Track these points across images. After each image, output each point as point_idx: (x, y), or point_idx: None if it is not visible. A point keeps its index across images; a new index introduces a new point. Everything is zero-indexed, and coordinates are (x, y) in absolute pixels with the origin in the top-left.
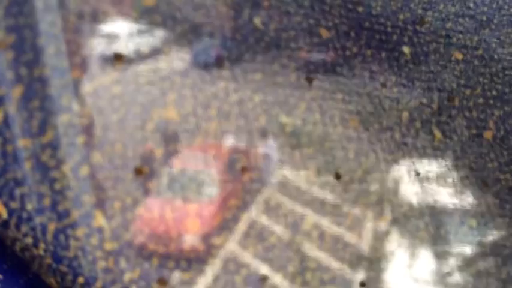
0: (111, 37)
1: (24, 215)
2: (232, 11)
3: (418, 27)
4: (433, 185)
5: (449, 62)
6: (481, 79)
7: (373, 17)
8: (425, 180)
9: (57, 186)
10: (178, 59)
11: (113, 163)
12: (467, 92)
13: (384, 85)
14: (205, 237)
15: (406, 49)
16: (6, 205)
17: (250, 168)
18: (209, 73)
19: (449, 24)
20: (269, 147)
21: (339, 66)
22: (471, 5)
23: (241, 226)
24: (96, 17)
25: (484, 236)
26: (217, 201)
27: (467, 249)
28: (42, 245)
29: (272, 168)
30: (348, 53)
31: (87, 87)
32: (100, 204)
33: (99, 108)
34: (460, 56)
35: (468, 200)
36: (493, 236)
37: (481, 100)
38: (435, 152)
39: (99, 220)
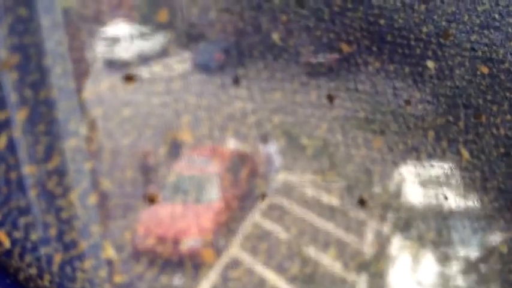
0: (114, 41)
1: (29, 245)
2: (250, 26)
3: (442, 40)
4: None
5: (475, 76)
6: (508, 94)
7: (395, 30)
8: (454, 205)
9: (64, 215)
10: (181, 63)
11: (124, 190)
12: (494, 108)
13: (408, 102)
14: (208, 241)
15: (430, 63)
16: (9, 234)
17: (252, 172)
18: (226, 93)
19: (474, 37)
20: (271, 152)
21: (361, 83)
22: (496, 16)
23: (244, 229)
24: (101, 24)
25: (489, 239)
26: (219, 205)
27: (472, 253)
28: (47, 277)
29: (274, 173)
30: (370, 68)
31: (96, 110)
32: (109, 234)
33: (109, 131)
34: (485, 70)
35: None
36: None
37: (508, 117)
38: (463, 173)
39: (108, 251)
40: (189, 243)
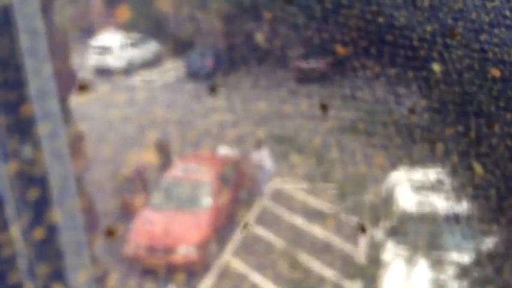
0: (105, 50)
1: None
2: (228, 25)
3: (448, 40)
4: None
5: (485, 80)
6: None
7: (396, 29)
8: (465, 223)
9: (4, 253)
10: (173, 70)
11: (78, 221)
12: (508, 116)
13: (412, 111)
14: (200, 248)
15: (436, 67)
16: None
17: (244, 179)
18: (201, 104)
19: (483, 36)
20: (263, 158)
21: (358, 90)
22: (508, 13)
23: (236, 236)
24: (92, 34)
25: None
26: (212, 212)
27: (465, 257)
28: None
29: (266, 179)
30: (368, 73)
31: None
32: (59, 275)
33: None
34: (497, 73)
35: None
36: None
37: None
38: (476, 191)
39: None
40: (181, 251)
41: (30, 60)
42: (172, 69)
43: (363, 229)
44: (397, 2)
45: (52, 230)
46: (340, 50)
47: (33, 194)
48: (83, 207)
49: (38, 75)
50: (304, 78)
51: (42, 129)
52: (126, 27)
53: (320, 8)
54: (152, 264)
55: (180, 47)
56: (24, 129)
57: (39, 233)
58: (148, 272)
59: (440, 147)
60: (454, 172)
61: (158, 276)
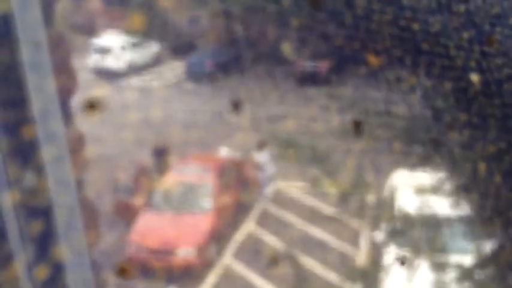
0: (105, 52)
1: None
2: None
3: (486, 48)
4: None
5: None
6: None
7: (431, 37)
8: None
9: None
10: (173, 72)
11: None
12: None
13: (451, 127)
14: (201, 250)
15: (474, 77)
16: None
17: (245, 181)
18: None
19: None
20: (264, 160)
21: (393, 104)
22: None
23: (237, 238)
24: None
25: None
26: (212, 214)
27: (467, 260)
28: None
29: (268, 181)
30: (404, 85)
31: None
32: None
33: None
34: None
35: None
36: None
37: None
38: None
39: None
40: (181, 253)
41: (32, 75)
42: (173, 70)
43: (403, 262)
44: (431, 7)
45: (57, 268)
46: (372, 59)
47: (36, 227)
48: (83, 211)
49: (41, 91)
50: (306, 80)
51: (46, 153)
52: (126, 28)
53: (351, 14)
54: (152, 266)
55: (181, 49)
56: (26, 153)
57: (43, 271)
58: (149, 274)
59: (482, 166)
60: (497, 195)
61: (158, 278)
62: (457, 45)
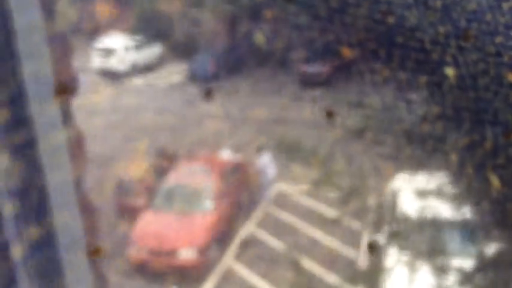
0: (109, 52)
1: None
2: (232, 28)
3: (462, 43)
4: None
5: (501, 86)
6: None
7: (407, 31)
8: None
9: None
10: (176, 73)
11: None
12: None
13: (424, 119)
14: (202, 251)
15: (449, 71)
16: None
17: (246, 183)
18: (201, 108)
19: (499, 39)
20: (265, 162)
21: (366, 96)
22: None
23: (239, 239)
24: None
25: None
26: (214, 215)
27: (468, 263)
28: None
29: (269, 183)
30: (377, 78)
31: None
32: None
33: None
34: None
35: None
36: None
37: None
38: (493, 205)
39: None
40: (183, 254)
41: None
42: (175, 72)
43: (371, 247)
44: (407, 1)
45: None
46: (346, 52)
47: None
48: (82, 209)
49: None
50: (308, 82)
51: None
52: (130, 29)
53: (325, 7)
54: (154, 267)
55: (184, 50)
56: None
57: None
58: (150, 275)
59: (454, 158)
60: (469, 185)
61: (160, 279)
62: (433, 39)
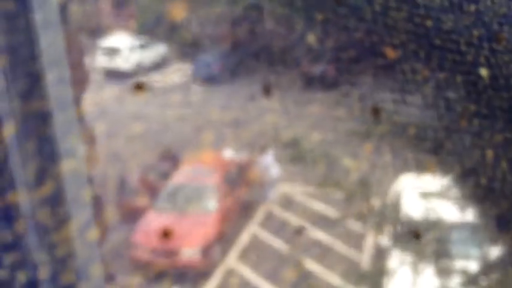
0: (114, 52)
1: (16, 286)
2: (283, 28)
3: (494, 45)
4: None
5: None
6: None
7: (444, 34)
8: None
9: (59, 253)
10: (181, 73)
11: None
12: None
13: (462, 116)
14: (205, 251)
15: (483, 71)
16: None
17: (250, 183)
18: (254, 104)
19: None
20: (268, 162)
21: (409, 94)
22: None
23: (241, 240)
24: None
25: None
26: (217, 215)
27: (472, 265)
28: None
29: (272, 184)
30: (418, 77)
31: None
32: (111, 277)
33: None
34: None
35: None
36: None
37: None
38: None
39: None
40: (185, 254)
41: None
42: (180, 72)
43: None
44: (444, 6)
45: (107, 230)
46: (389, 52)
47: (87, 193)
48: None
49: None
50: (313, 83)
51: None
52: (134, 29)
53: (370, 10)
54: (156, 267)
55: (188, 50)
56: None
57: (93, 233)
58: (152, 274)
59: (490, 153)
60: (504, 179)
61: (162, 278)
62: (468, 41)
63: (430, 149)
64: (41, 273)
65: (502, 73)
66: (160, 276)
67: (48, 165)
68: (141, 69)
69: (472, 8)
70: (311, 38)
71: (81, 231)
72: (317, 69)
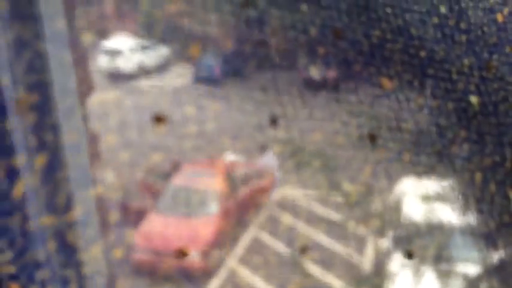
0: (115, 54)
1: None
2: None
3: (484, 74)
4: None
5: None
6: None
7: (437, 63)
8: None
9: (85, 270)
10: (182, 76)
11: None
12: None
13: (453, 142)
14: (206, 254)
15: (473, 99)
16: None
17: (251, 186)
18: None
19: None
20: (269, 165)
21: (404, 121)
22: None
23: (242, 243)
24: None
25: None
26: (218, 218)
27: (472, 269)
28: None
29: (274, 187)
30: (412, 105)
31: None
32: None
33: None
34: None
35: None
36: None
37: None
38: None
39: None
40: (187, 256)
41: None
42: (181, 74)
43: (410, 255)
44: (437, 37)
45: (131, 250)
46: (385, 83)
47: (113, 216)
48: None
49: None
50: (312, 86)
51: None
52: (137, 31)
53: (368, 43)
54: (157, 269)
55: (190, 53)
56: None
57: (118, 252)
58: (154, 277)
59: (479, 176)
60: (492, 200)
61: (163, 282)
62: (459, 70)
63: (423, 174)
64: None
65: (491, 100)
66: (161, 278)
67: (77, 192)
68: (142, 71)
69: (463, 38)
70: (313, 71)
71: (106, 251)
72: (316, 73)
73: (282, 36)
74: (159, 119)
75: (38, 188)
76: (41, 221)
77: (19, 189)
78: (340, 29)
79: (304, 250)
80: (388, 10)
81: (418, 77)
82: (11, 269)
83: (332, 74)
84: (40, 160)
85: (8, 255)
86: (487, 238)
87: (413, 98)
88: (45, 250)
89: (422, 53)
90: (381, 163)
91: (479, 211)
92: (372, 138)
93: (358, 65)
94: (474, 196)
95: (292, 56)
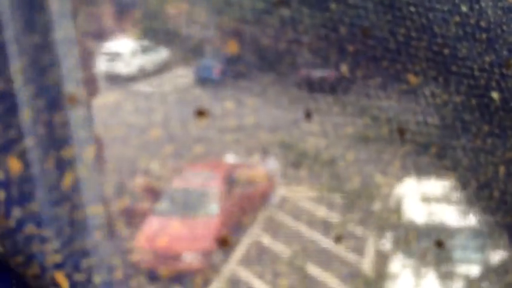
0: (116, 56)
1: None
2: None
3: (504, 71)
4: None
5: None
6: None
7: (459, 60)
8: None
9: (132, 258)
10: (182, 77)
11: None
12: None
13: (477, 136)
14: (206, 255)
15: (495, 95)
16: (69, 276)
17: (251, 187)
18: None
19: None
20: (270, 167)
21: (430, 116)
22: None
23: (243, 244)
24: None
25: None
26: (218, 219)
27: (473, 270)
28: None
29: (274, 187)
30: (438, 100)
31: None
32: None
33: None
34: None
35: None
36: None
37: None
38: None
39: None
40: (186, 258)
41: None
42: (182, 76)
43: (440, 243)
44: (459, 34)
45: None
46: (412, 79)
47: (159, 205)
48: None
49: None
50: (312, 87)
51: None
52: (137, 33)
53: (394, 40)
54: (157, 271)
55: (190, 55)
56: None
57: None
58: (154, 279)
59: (502, 169)
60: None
61: (163, 283)
62: (480, 67)
63: (449, 167)
64: (115, 276)
65: (511, 96)
66: (162, 280)
67: (125, 182)
68: (142, 74)
69: (484, 36)
70: (343, 68)
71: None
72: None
73: (314, 34)
74: (200, 113)
75: (86, 179)
76: (89, 210)
77: (67, 180)
78: (368, 27)
79: (339, 239)
80: (412, 9)
81: (442, 73)
82: (58, 258)
83: (360, 71)
84: (89, 152)
85: (55, 244)
86: (489, 238)
87: (439, 94)
88: (92, 239)
89: (446, 51)
90: (410, 156)
91: (503, 202)
92: (401, 132)
93: (385, 61)
94: (498, 188)
95: (325, 54)
